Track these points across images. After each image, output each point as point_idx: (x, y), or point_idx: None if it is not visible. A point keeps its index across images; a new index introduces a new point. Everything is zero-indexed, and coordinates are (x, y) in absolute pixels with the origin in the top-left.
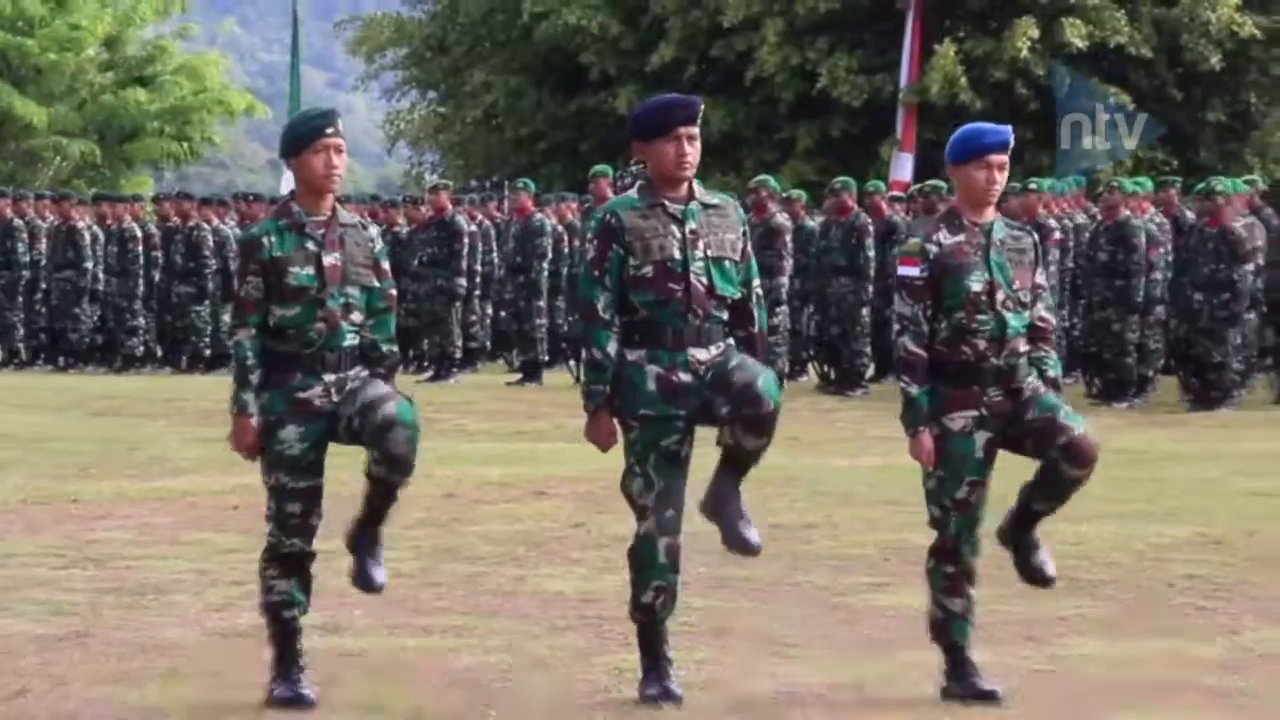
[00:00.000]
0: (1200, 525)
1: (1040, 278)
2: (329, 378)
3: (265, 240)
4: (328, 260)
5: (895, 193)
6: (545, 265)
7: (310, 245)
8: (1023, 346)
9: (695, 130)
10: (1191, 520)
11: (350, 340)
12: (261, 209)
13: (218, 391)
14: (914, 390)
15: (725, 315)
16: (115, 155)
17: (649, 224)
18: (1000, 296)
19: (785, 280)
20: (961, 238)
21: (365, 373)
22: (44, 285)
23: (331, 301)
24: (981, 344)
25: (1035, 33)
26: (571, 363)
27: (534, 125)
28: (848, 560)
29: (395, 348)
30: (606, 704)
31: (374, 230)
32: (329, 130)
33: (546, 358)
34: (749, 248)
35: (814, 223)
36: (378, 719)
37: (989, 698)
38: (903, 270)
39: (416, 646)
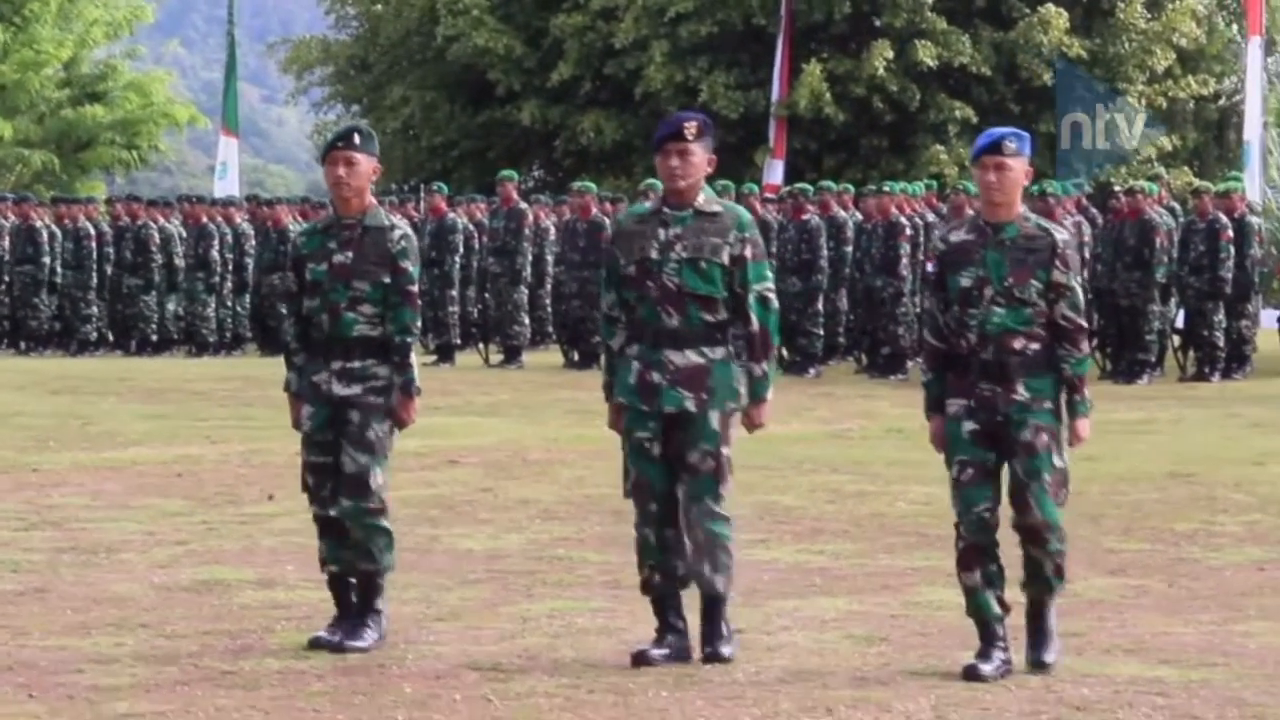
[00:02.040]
0: None
1: (1063, 278)
2: (335, 365)
3: (298, 240)
4: (337, 259)
5: (768, 194)
6: (457, 259)
7: (331, 245)
8: (1017, 344)
9: (686, 146)
10: None
11: (361, 330)
12: (203, 210)
13: (163, 372)
14: (926, 377)
15: (713, 317)
16: (72, 163)
17: (640, 229)
18: (989, 293)
19: None
20: (971, 236)
21: (357, 416)
22: (6, 278)
23: (335, 295)
24: (973, 337)
25: (890, 53)
26: (480, 345)
27: (446, 135)
28: None
29: (407, 337)
30: (512, 649)
31: (400, 232)
32: (339, 144)
33: (458, 341)
34: (748, 252)
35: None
36: (306, 663)
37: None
38: (927, 267)
39: None
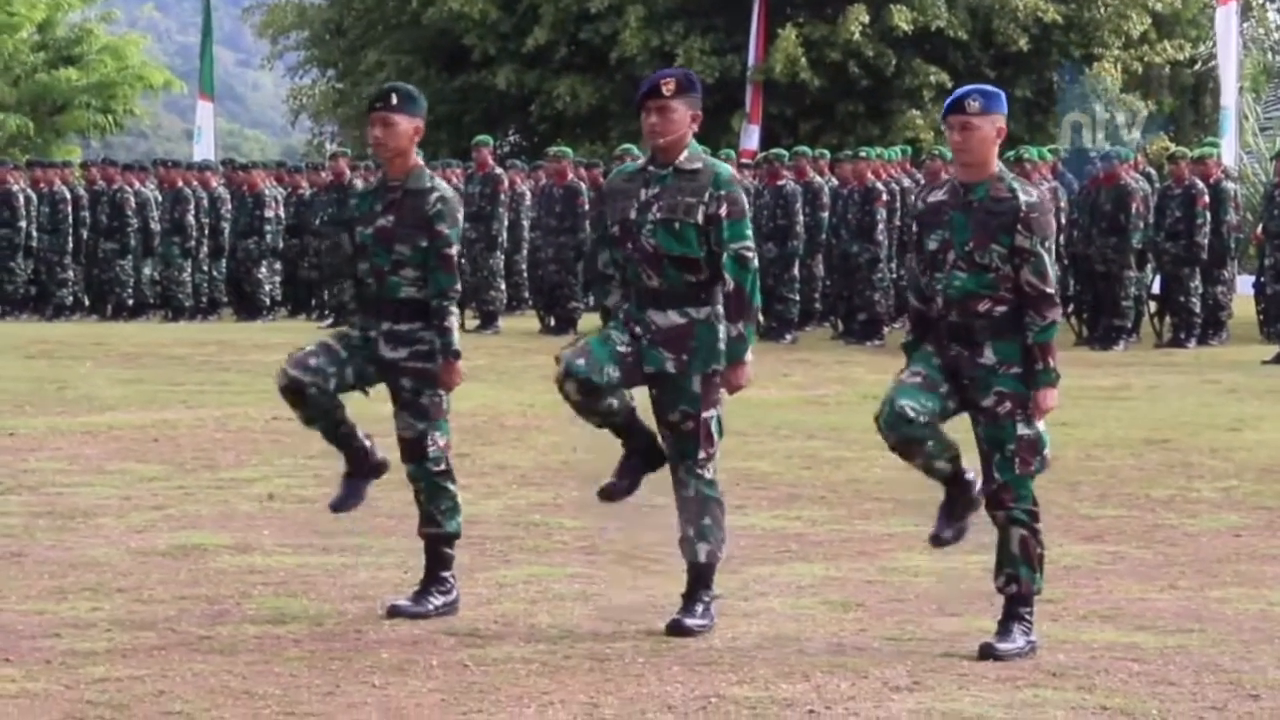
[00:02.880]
0: None
1: (1026, 242)
2: (385, 326)
3: (353, 202)
4: (380, 222)
5: (744, 160)
6: None
7: (378, 207)
8: (981, 306)
9: (665, 103)
10: None
11: (406, 292)
12: (178, 175)
13: (139, 336)
14: (907, 339)
15: (694, 277)
16: (47, 127)
17: (626, 187)
18: (952, 256)
19: None
20: (945, 197)
21: (409, 383)
22: None
23: (378, 259)
24: (939, 301)
25: (866, 18)
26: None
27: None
28: None
29: (443, 300)
30: (489, 614)
31: (436, 195)
32: (377, 105)
33: None
34: (723, 210)
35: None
36: (283, 629)
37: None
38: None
39: (318, 564)
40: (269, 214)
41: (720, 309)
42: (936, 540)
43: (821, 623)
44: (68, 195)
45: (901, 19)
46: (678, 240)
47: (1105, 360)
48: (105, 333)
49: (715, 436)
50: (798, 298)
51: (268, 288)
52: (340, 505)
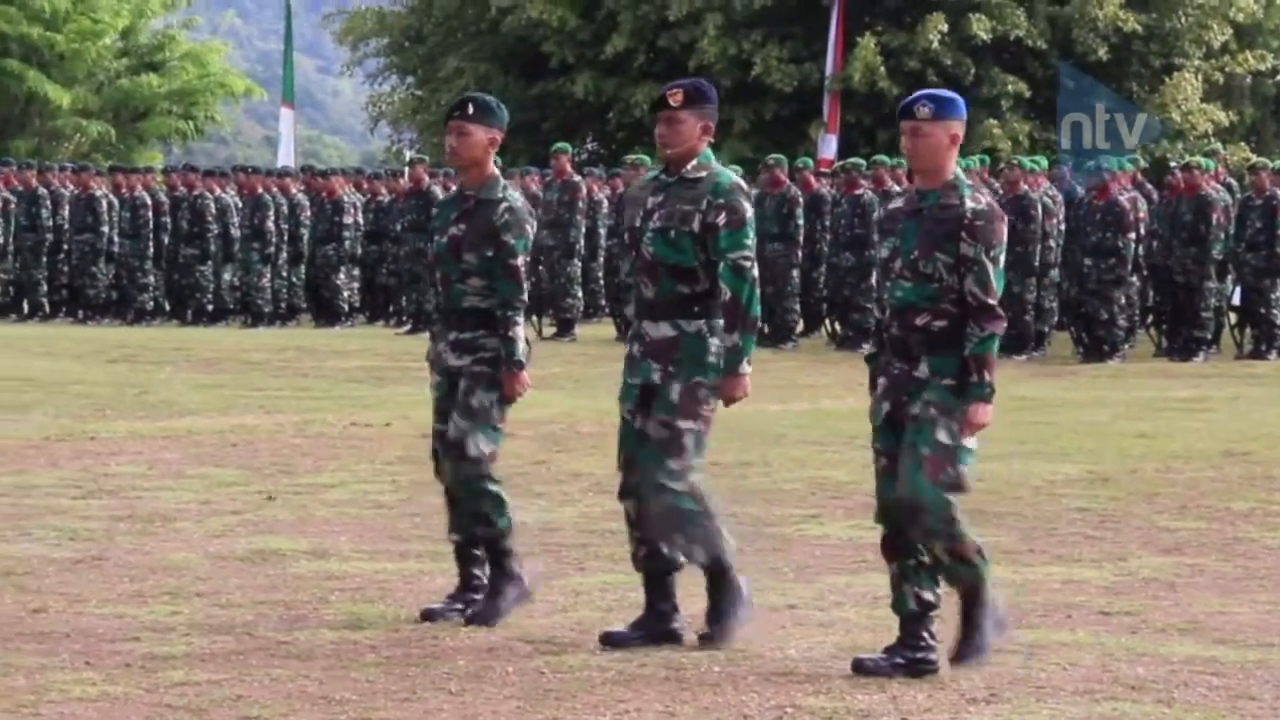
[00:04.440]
0: (1089, 464)
1: (970, 251)
2: (451, 335)
3: (434, 211)
4: (452, 230)
5: (822, 169)
6: None
7: (453, 216)
8: (919, 320)
9: (673, 114)
10: (1082, 459)
11: (470, 301)
12: (258, 181)
13: (219, 341)
14: (868, 351)
15: (689, 288)
16: (129, 133)
17: (638, 196)
18: (899, 264)
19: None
20: (901, 205)
21: (464, 384)
22: (65, 247)
23: (448, 267)
24: (887, 311)
25: (945, 27)
26: (534, 318)
27: None
28: (779, 495)
29: (507, 310)
30: (564, 622)
31: (504, 205)
32: (454, 115)
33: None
34: (720, 219)
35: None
36: (360, 634)
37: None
38: None
39: (395, 570)
40: (348, 220)
41: (716, 323)
42: (858, 665)
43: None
44: (149, 201)
45: (980, 28)
46: (673, 249)
47: (1185, 371)
48: (185, 338)
49: (690, 450)
50: (873, 307)
51: (346, 294)
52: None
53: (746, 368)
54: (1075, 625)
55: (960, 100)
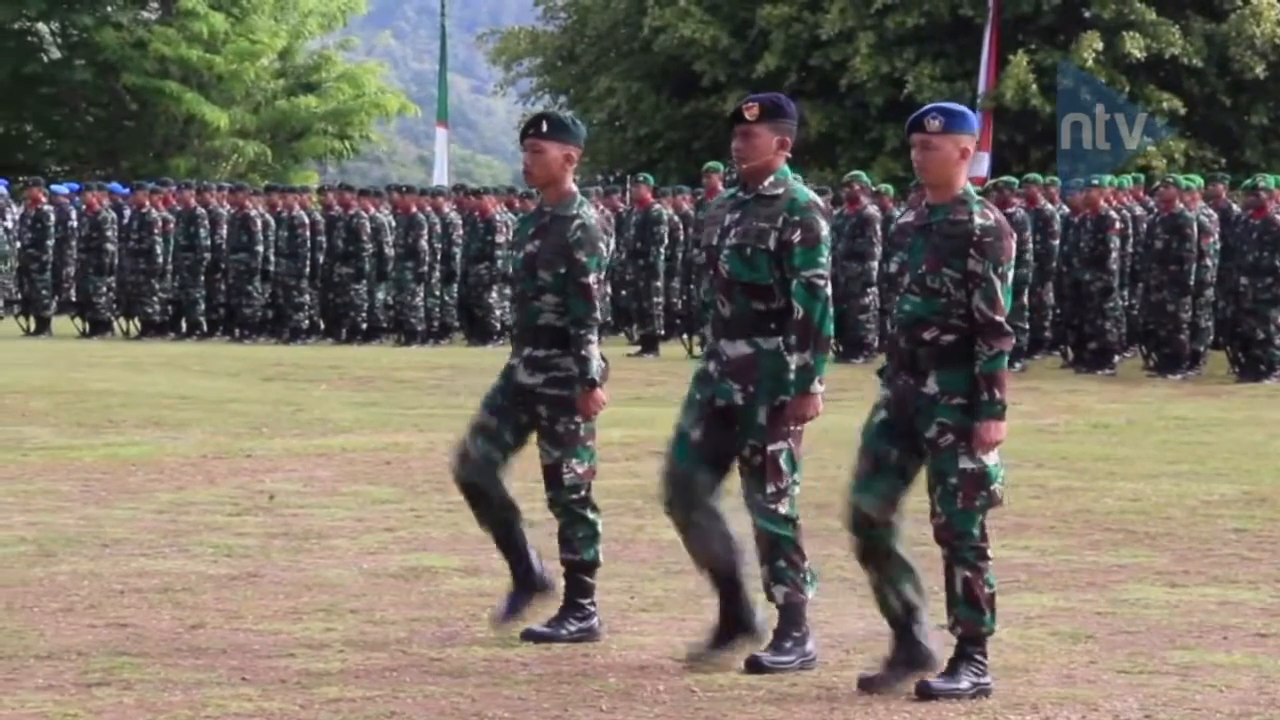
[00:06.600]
0: (1246, 484)
1: (978, 267)
2: (525, 351)
3: (513, 227)
4: (528, 247)
5: (974, 187)
6: (662, 250)
7: (530, 232)
8: (927, 334)
9: (749, 128)
10: (1238, 479)
11: (545, 319)
12: (413, 200)
13: (373, 360)
14: (882, 366)
15: (765, 306)
16: (285, 152)
17: (716, 213)
18: (906, 279)
19: (875, 265)
20: (912, 219)
21: (545, 410)
22: (222, 266)
23: (524, 284)
24: (895, 325)
25: (1099, 45)
26: (685, 336)
27: (652, 126)
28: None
29: (580, 328)
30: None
31: (578, 223)
32: (530, 132)
33: (663, 332)
34: (796, 236)
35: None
36: (512, 652)
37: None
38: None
39: None
40: (500, 239)
41: (794, 339)
42: (865, 683)
43: (1051, 654)
44: (305, 220)
45: (1134, 46)
46: (748, 267)
47: None
48: (339, 356)
49: (785, 470)
50: (1028, 326)
51: (498, 313)
52: (502, 619)
53: (819, 386)
54: (1231, 647)
55: (971, 114)
